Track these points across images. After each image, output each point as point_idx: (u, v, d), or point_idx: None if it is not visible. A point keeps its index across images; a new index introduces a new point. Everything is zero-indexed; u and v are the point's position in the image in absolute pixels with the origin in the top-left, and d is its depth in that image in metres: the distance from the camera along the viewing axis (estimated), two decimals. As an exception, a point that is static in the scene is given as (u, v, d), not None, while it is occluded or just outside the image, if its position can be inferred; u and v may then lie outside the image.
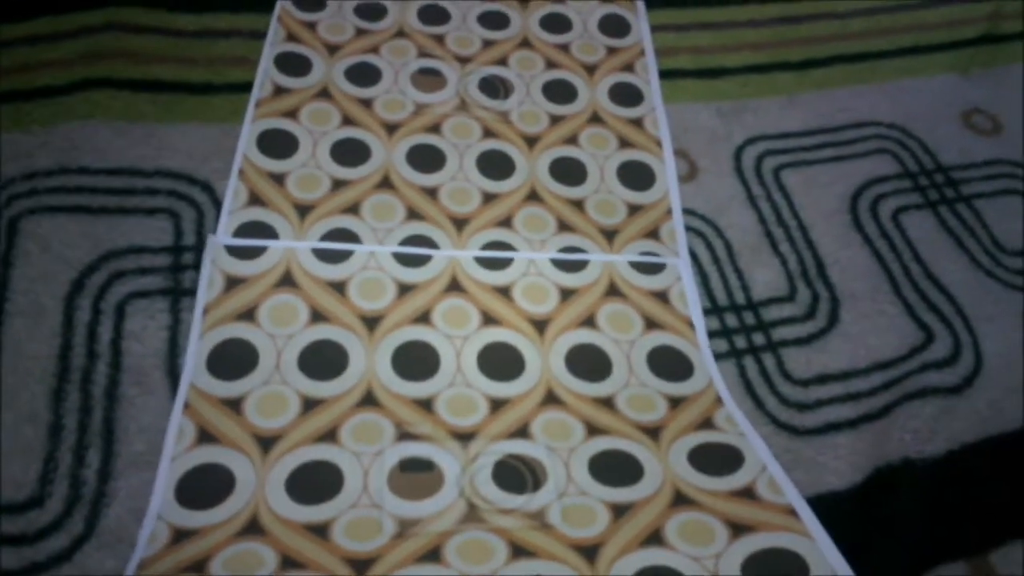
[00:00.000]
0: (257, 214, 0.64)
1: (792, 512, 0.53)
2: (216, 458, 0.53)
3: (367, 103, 0.73)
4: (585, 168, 0.72)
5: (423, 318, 0.61)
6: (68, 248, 0.60)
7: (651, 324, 0.64)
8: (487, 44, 0.79)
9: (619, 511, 0.53)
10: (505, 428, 0.56)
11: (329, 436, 0.54)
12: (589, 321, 0.63)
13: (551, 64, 0.79)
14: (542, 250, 0.66)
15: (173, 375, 0.56)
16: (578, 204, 0.70)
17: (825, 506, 0.55)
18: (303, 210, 0.65)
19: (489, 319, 0.62)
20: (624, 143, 0.74)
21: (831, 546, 0.51)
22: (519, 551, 0.50)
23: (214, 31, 0.75)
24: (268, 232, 0.63)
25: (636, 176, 0.72)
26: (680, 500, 0.54)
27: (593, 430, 0.57)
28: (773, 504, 0.54)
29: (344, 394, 0.56)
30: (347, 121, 0.71)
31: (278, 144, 0.68)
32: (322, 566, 0.48)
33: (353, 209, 0.66)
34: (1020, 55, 0.88)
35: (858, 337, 0.65)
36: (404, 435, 0.55)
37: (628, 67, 0.80)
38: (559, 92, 0.77)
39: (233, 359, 0.57)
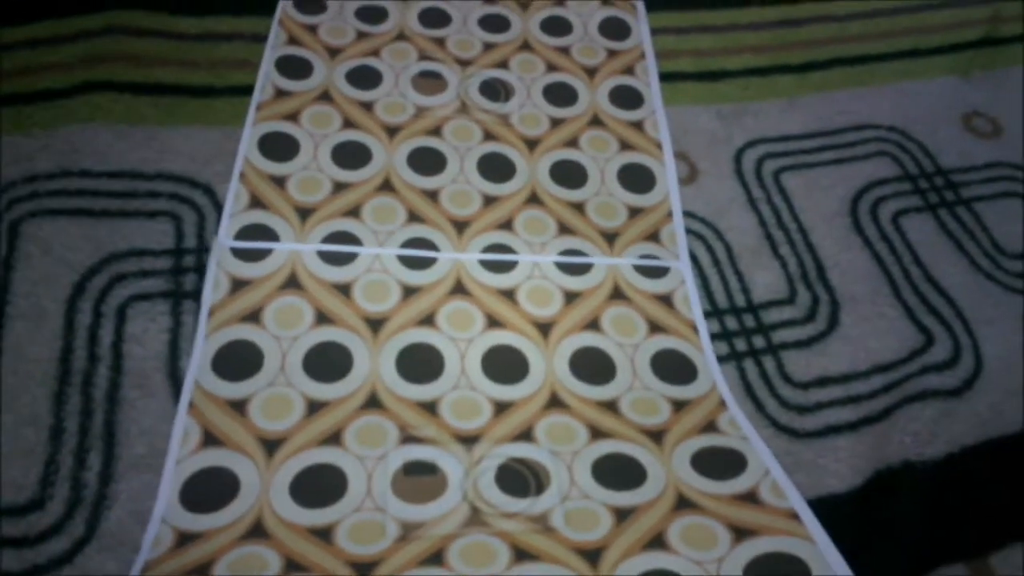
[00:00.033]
0: (258, 217, 0.64)
1: (795, 516, 0.53)
2: (221, 461, 0.53)
3: (368, 106, 0.73)
4: (585, 171, 0.72)
5: (427, 321, 0.61)
6: (69, 251, 0.60)
7: (655, 327, 0.64)
8: (488, 47, 0.79)
9: (622, 515, 0.53)
10: (509, 431, 0.56)
11: (333, 439, 0.54)
12: (593, 324, 0.63)
13: (552, 67, 0.79)
14: (543, 253, 0.66)
15: (174, 378, 0.56)
16: (578, 207, 0.70)
17: (825, 508, 0.55)
18: (304, 213, 0.65)
19: (493, 322, 0.62)
20: (624, 146, 0.74)
21: (833, 550, 0.52)
22: (522, 555, 0.50)
23: (216, 34, 0.75)
24: (269, 235, 0.63)
25: (636, 179, 0.72)
26: (683, 504, 0.54)
27: (597, 433, 0.57)
28: (776, 508, 0.54)
29: (348, 396, 0.56)
30: (348, 124, 0.71)
31: (279, 147, 0.68)
32: (326, 569, 0.48)
33: (354, 212, 0.66)
34: (1020, 58, 0.88)
35: (858, 340, 0.65)
36: (408, 438, 0.55)
37: (628, 70, 0.80)
38: (559, 95, 0.77)
39: (238, 361, 0.57)
